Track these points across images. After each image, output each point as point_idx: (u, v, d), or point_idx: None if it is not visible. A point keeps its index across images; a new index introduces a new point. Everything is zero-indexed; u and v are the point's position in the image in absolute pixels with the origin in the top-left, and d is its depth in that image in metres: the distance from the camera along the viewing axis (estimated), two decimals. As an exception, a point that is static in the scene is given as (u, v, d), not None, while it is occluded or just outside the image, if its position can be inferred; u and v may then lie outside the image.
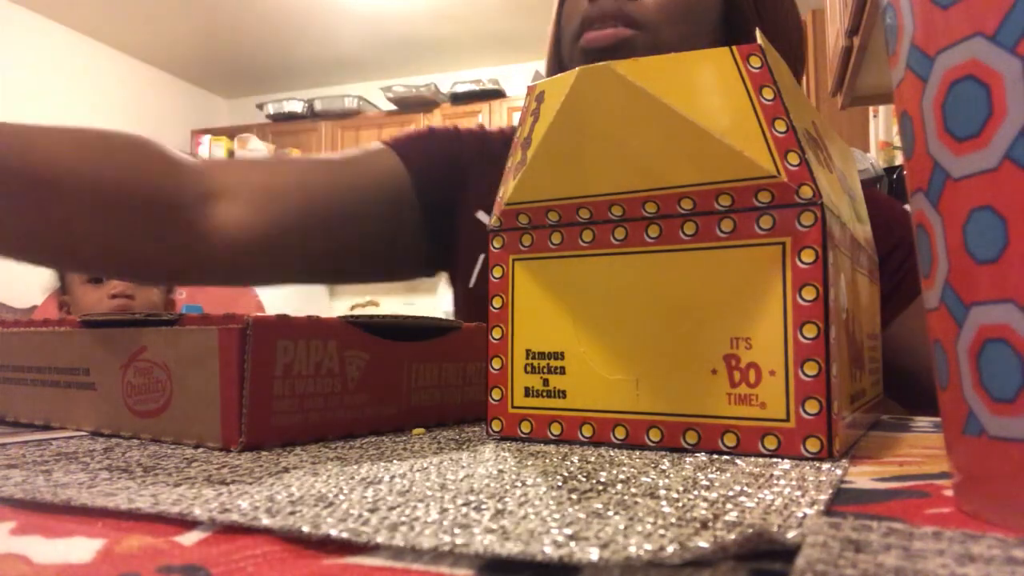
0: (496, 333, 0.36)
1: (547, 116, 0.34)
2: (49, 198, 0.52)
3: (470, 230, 0.72)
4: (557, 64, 0.71)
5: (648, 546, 0.16)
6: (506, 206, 0.36)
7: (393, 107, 4.20)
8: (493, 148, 0.75)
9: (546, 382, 0.34)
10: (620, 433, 0.32)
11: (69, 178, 0.52)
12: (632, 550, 0.16)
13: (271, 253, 0.63)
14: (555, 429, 0.34)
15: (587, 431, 0.33)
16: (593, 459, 0.29)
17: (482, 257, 0.71)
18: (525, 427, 0.35)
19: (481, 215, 0.72)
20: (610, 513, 0.19)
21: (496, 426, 0.35)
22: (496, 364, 0.36)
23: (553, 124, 0.33)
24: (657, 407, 0.32)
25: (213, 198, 0.60)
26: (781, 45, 0.69)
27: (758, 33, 0.32)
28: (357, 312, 1.29)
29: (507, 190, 0.36)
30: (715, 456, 0.30)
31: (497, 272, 0.36)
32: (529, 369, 0.35)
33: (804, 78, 2.55)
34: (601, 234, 0.34)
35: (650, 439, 0.32)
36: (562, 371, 0.34)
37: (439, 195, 0.72)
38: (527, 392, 0.35)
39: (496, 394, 0.36)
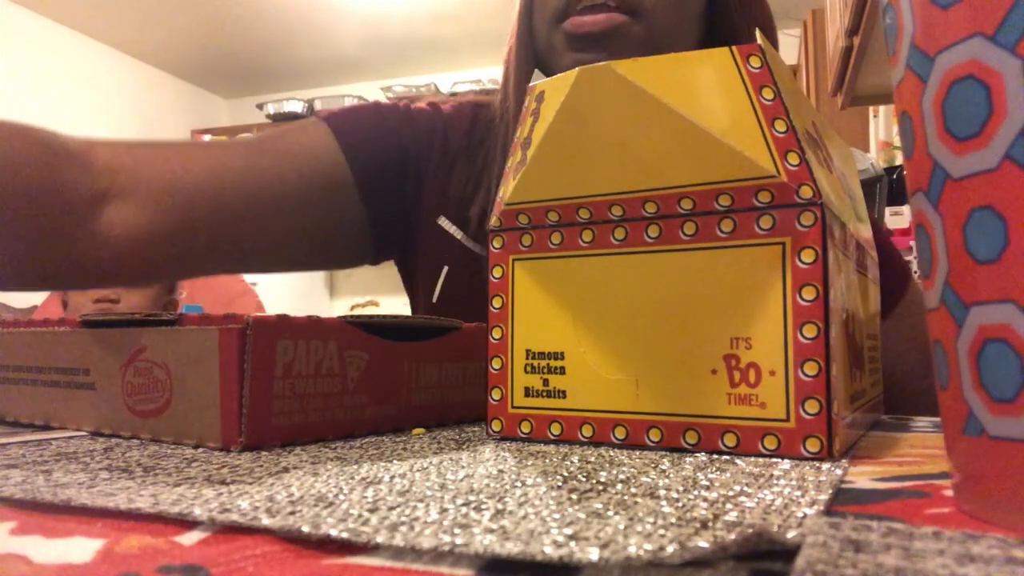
0: (496, 333, 0.36)
1: (547, 116, 0.34)
2: None
3: (431, 238, 0.66)
4: (528, 48, 0.63)
5: (648, 546, 0.16)
6: (506, 206, 0.36)
7: (393, 107, 4.20)
8: (453, 143, 0.67)
9: (546, 382, 0.34)
10: (620, 433, 0.32)
11: None
12: (632, 550, 0.16)
13: (175, 255, 0.57)
14: (555, 429, 0.34)
15: (587, 431, 0.33)
16: (593, 459, 0.29)
17: (446, 270, 0.65)
18: (525, 427, 0.35)
19: (444, 222, 0.66)
20: (610, 513, 0.19)
21: (496, 426, 0.35)
22: (496, 364, 0.36)
23: (553, 124, 0.33)
24: (657, 407, 0.32)
25: (109, 199, 0.54)
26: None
27: (758, 33, 0.32)
28: (357, 312, 1.29)
29: (507, 190, 0.36)
30: (715, 456, 0.30)
31: (497, 272, 0.36)
32: (529, 369, 0.35)
33: (805, 78, 2.55)
34: (601, 234, 0.34)
35: (650, 439, 0.32)
36: (562, 371, 0.34)
37: (384, 184, 0.65)
38: (527, 392, 0.35)
39: (496, 394, 0.36)
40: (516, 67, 0.64)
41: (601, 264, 0.34)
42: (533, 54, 0.63)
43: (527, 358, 0.35)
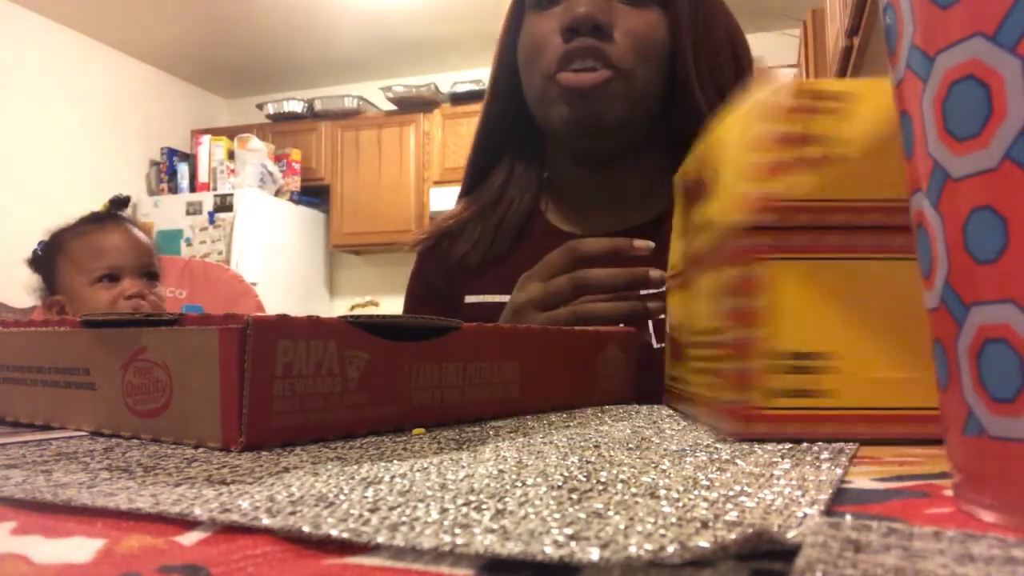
0: (750, 332, 0.35)
1: (862, 117, 0.34)
2: None
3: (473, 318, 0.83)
4: (514, 98, 0.74)
5: (648, 546, 0.16)
6: (783, 203, 0.35)
7: (393, 107, 4.20)
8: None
9: (802, 383, 0.34)
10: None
11: None
12: (632, 550, 0.16)
13: None
14: (824, 428, 0.34)
15: (863, 428, 0.34)
16: (593, 459, 0.29)
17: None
18: (790, 428, 0.34)
19: (470, 298, 0.78)
20: (610, 513, 0.19)
21: (741, 427, 0.35)
22: (748, 364, 0.35)
23: (869, 128, 0.33)
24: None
25: None
26: (722, 76, 0.71)
27: None
28: (357, 312, 1.29)
29: (790, 185, 0.35)
30: (715, 456, 0.30)
31: (749, 271, 0.35)
32: (782, 369, 0.35)
33: (804, 78, 2.55)
34: (882, 239, 0.34)
35: None
36: (823, 371, 0.34)
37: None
38: (780, 394, 0.35)
39: (743, 394, 0.35)
40: (501, 114, 0.80)
41: (879, 269, 0.34)
42: (517, 104, 0.76)
43: (782, 359, 0.35)
